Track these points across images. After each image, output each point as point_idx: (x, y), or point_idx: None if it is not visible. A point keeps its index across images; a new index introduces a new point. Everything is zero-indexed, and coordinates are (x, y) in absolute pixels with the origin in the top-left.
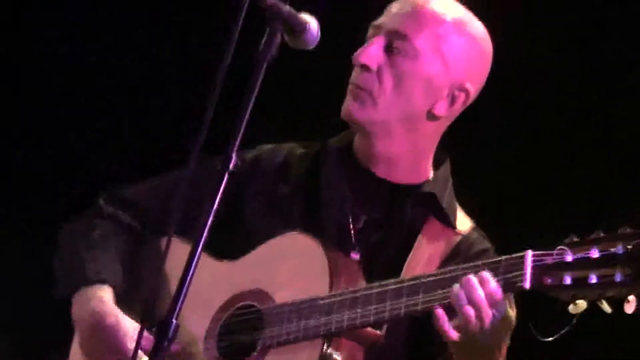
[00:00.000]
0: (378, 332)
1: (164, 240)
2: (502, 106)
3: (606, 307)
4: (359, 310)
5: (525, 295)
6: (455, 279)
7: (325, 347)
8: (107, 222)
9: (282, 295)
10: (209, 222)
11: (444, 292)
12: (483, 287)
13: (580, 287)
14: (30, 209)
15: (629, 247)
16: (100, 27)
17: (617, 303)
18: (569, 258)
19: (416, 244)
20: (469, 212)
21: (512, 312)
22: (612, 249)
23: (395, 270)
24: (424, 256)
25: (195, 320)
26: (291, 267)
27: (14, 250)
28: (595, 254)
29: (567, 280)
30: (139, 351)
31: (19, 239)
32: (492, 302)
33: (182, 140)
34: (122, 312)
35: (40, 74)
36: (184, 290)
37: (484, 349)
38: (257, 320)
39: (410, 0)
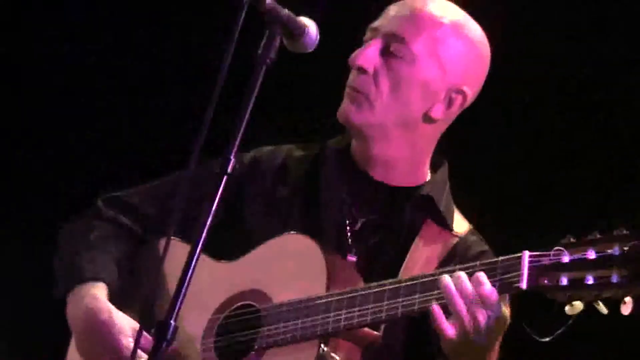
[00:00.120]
0: (375, 332)
1: (161, 242)
2: (501, 107)
3: (602, 309)
4: (356, 311)
5: (522, 296)
6: None
7: (322, 348)
8: (105, 224)
9: (280, 295)
10: (208, 224)
11: (439, 292)
12: (478, 289)
13: (576, 288)
14: (30, 209)
15: (626, 248)
16: (100, 27)
17: (614, 304)
18: (566, 259)
19: (413, 246)
20: (467, 214)
21: (507, 311)
22: (609, 250)
23: (393, 273)
24: (422, 258)
25: (193, 320)
26: (289, 267)
27: (14, 250)
28: (591, 255)
29: (564, 281)
30: (139, 351)
31: (19, 239)
32: (488, 304)
33: (182, 140)
34: (115, 309)
35: (40, 74)
36: (183, 291)
37: (479, 349)
38: (255, 320)
39: (408, 3)
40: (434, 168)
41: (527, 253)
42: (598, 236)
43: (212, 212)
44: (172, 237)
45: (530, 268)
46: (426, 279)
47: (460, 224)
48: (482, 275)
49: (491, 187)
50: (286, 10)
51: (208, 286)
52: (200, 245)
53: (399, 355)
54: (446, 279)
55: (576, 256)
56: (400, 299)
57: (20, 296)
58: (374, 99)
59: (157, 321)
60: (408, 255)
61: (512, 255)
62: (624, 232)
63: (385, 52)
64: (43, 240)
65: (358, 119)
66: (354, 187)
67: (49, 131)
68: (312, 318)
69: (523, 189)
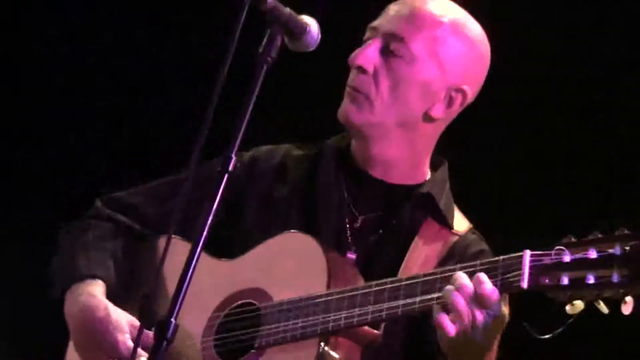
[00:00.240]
0: (376, 331)
1: (161, 240)
2: (501, 107)
3: (603, 308)
4: (356, 309)
5: (523, 295)
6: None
7: (322, 346)
8: (104, 224)
9: (281, 294)
10: (209, 222)
11: (440, 291)
12: (479, 288)
13: (577, 287)
14: (30, 209)
15: (627, 248)
16: (100, 27)
17: (614, 304)
18: (567, 258)
19: (413, 244)
20: (467, 213)
21: (506, 311)
22: (610, 250)
23: (393, 271)
24: (421, 257)
25: (193, 318)
26: (289, 265)
27: (14, 250)
28: (592, 254)
29: (565, 280)
30: (139, 349)
31: (19, 239)
32: (488, 303)
33: (182, 140)
34: (112, 305)
35: (40, 74)
36: (184, 290)
37: (478, 348)
38: (255, 318)
39: (408, 2)
40: (434, 167)
41: (528, 252)
42: (599, 236)
43: (213, 210)
44: (173, 236)
45: (531, 267)
46: (427, 278)
47: (461, 223)
48: (483, 275)
49: (491, 187)
50: (287, 9)
51: (208, 285)
52: (201, 244)
53: (399, 354)
54: (450, 287)
55: (577, 256)
56: (400, 298)
57: (20, 296)
58: (374, 98)
59: (157, 319)
60: (408, 254)
61: (513, 255)
62: (625, 232)
63: (385, 52)
64: (43, 240)
65: (358, 118)
66: (353, 186)
67: (49, 131)
68: (313, 317)
69: (523, 189)
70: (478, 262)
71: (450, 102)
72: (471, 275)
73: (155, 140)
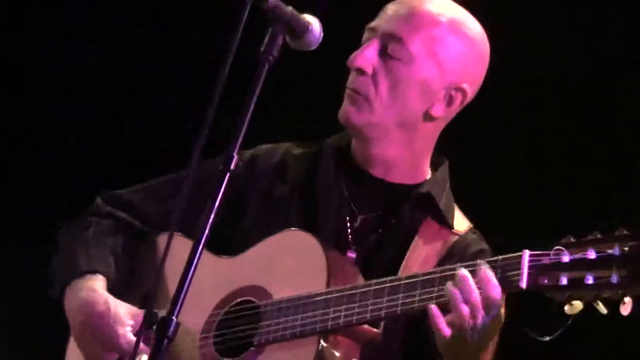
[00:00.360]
0: (375, 330)
1: (161, 237)
2: (501, 107)
3: (602, 308)
4: (355, 307)
5: (522, 295)
6: (452, 278)
7: (321, 344)
8: (104, 221)
9: (280, 292)
10: (210, 221)
11: (440, 290)
12: (485, 285)
13: (576, 287)
14: (30, 209)
15: (626, 248)
16: (100, 27)
17: (613, 304)
18: (566, 258)
19: (413, 244)
20: (467, 213)
21: (502, 311)
22: (609, 251)
23: (392, 270)
24: (421, 256)
25: (193, 315)
26: (289, 263)
27: (14, 250)
28: (592, 255)
29: (564, 280)
30: (139, 348)
31: (19, 239)
32: (491, 302)
33: (182, 140)
34: (113, 298)
35: (40, 74)
36: (185, 288)
37: (474, 347)
38: (255, 316)
39: (406, 1)
40: (435, 166)
41: (527, 252)
42: (598, 236)
43: (215, 208)
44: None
45: (530, 267)
46: (426, 277)
47: (461, 223)
48: (489, 273)
49: (491, 186)
50: (289, 8)
51: (208, 282)
52: (202, 242)
53: (398, 352)
54: (451, 284)
55: (576, 256)
56: (399, 297)
57: (20, 296)
58: (373, 100)
59: (159, 317)
60: (407, 253)
61: (513, 254)
62: (625, 232)
63: (383, 53)
64: (43, 240)
65: (358, 120)
66: (353, 184)
67: (49, 131)
68: (312, 314)
69: (522, 188)
70: (478, 261)
71: (450, 101)
72: (474, 274)
73: (155, 140)
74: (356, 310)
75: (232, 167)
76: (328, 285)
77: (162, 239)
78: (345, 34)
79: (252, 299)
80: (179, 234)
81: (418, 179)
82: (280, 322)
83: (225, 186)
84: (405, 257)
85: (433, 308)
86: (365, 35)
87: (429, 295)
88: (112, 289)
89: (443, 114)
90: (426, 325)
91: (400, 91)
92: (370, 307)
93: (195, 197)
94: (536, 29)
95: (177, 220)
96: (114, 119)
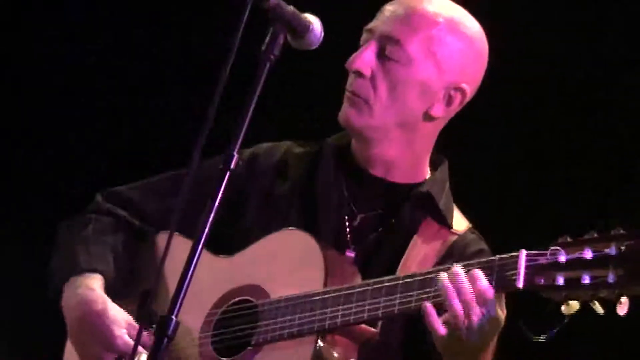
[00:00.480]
0: (373, 329)
1: (161, 235)
2: (501, 107)
3: (598, 308)
4: (353, 307)
5: (519, 295)
6: None
7: (319, 343)
8: (104, 218)
9: (278, 291)
10: (210, 221)
11: (436, 290)
12: (473, 284)
13: (572, 287)
14: (30, 209)
15: (622, 248)
16: (100, 27)
17: (610, 304)
18: (563, 258)
19: (412, 243)
20: (467, 213)
21: (502, 313)
22: (606, 250)
23: (391, 269)
24: (420, 255)
25: (191, 314)
26: (287, 262)
27: (14, 250)
28: (588, 254)
29: (560, 280)
30: (139, 347)
31: (19, 239)
32: (482, 300)
33: (182, 140)
34: (110, 300)
35: (40, 74)
36: (185, 287)
37: (472, 348)
38: (252, 315)
39: (403, 2)
40: (434, 166)
41: (524, 252)
42: (595, 236)
43: (215, 208)
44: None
45: (527, 267)
46: (424, 277)
47: (460, 222)
48: (478, 272)
49: (490, 186)
50: (291, 7)
51: (207, 281)
52: (202, 242)
53: (397, 352)
54: (443, 275)
55: (573, 256)
56: (397, 297)
57: (20, 296)
58: (373, 102)
59: (158, 316)
60: (406, 252)
61: (509, 254)
62: (621, 231)
63: (382, 55)
64: (43, 240)
65: (358, 122)
66: (353, 184)
67: (49, 131)
68: (309, 314)
69: (522, 188)
70: (475, 261)
71: (449, 101)
72: (467, 273)
73: (155, 140)
74: (353, 309)
75: (232, 166)
76: (325, 284)
77: (161, 238)
78: (346, 33)
79: (249, 298)
80: (177, 233)
81: (418, 179)
82: (278, 321)
83: (225, 185)
84: (404, 256)
85: (428, 307)
86: (363, 36)
87: (426, 295)
88: (111, 287)
89: (442, 113)
90: (424, 324)
91: (399, 92)
92: (367, 307)
93: (195, 196)
94: (536, 29)
95: (177, 220)
96: (114, 119)
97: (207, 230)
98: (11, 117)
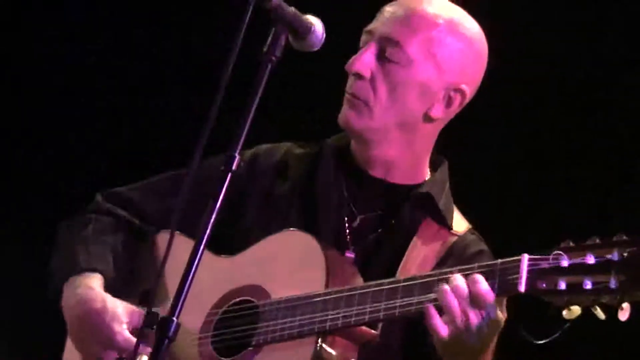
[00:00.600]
0: (373, 331)
1: (161, 235)
2: (501, 107)
3: (600, 314)
4: (354, 309)
5: (520, 299)
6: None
7: (319, 345)
8: (103, 218)
9: (279, 291)
10: (212, 221)
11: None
12: (474, 288)
13: (574, 292)
14: (30, 209)
15: (625, 254)
16: (100, 27)
17: (611, 310)
18: (565, 263)
19: (412, 244)
20: (467, 213)
21: (502, 316)
22: (608, 256)
23: (391, 270)
24: (420, 256)
25: (191, 314)
26: (288, 263)
27: (14, 250)
28: (590, 259)
29: (562, 285)
30: (139, 348)
31: (19, 239)
32: (483, 304)
33: (182, 140)
34: (110, 296)
35: (40, 74)
36: (186, 289)
37: (472, 350)
38: (253, 315)
39: (403, 3)
40: (434, 167)
41: (526, 256)
42: (597, 241)
43: (217, 209)
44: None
45: (529, 271)
46: (425, 280)
47: (460, 223)
48: (478, 276)
49: (490, 186)
50: (292, 9)
51: (207, 281)
52: (204, 243)
53: (397, 353)
54: (445, 287)
55: (575, 260)
56: (398, 299)
57: (20, 296)
58: (373, 104)
59: (158, 317)
60: (406, 253)
61: (512, 258)
62: (624, 237)
63: (381, 57)
64: (43, 240)
65: (358, 124)
66: (353, 184)
67: (49, 131)
68: (310, 315)
69: (522, 189)
70: (476, 264)
71: (449, 102)
72: (468, 277)
73: (155, 140)
74: (354, 311)
75: (233, 167)
76: (327, 285)
77: (161, 237)
78: (347, 35)
79: (250, 298)
80: (179, 233)
81: (417, 180)
82: (279, 322)
83: (227, 187)
84: (404, 257)
85: (430, 308)
86: (363, 38)
87: (427, 298)
88: (110, 287)
89: (442, 115)
90: (424, 326)
91: (399, 94)
92: (368, 309)
93: (196, 196)
94: (536, 29)
95: (176, 222)
96: (114, 119)
97: (208, 231)
98: (11, 117)
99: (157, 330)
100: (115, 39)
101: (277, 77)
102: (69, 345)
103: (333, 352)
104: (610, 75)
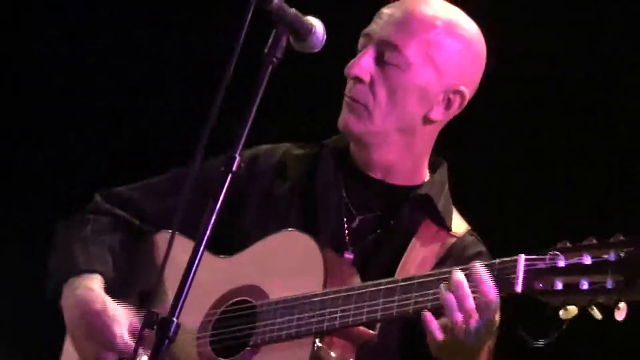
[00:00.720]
0: (371, 331)
1: (159, 235)
2: (501, 107)
3: (597, 314)
4: (351, 309)
5: (517, 299)
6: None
7: (317, 345)
8: (102, 218)
9: (277, 292)
10: (212, 222)
11: (435, 293)
12: (480, 287)
13: (571, 292)
14: (30, 209)
15: (621, 254)
16: (100, 27)
17: (608, 310)
18: (562, 263)
19: (410, 245)
20: (466, 214)
21: (497, 316)
22: (605, 256)
23: (390, 271)
24: (418, 257)
25: (189, 314)
26: (286, 263)
27: (14, 250)
28: (587, 260)
29: (559, 285)
30: (140, 349)
31: (19, 239)
32: (486, 306)
33: (182, 140)
34: (109, 298)
35: (40, 74)
36: (186, 290)
37: (468, 349)
38: (251, 316)
39: (400, 5)
40: (433, 168)
41: (523, 256)
42: (594, 241)
43: (217, 210)
44: (169, 231)
45: (525, 271)
46: (422, 280)
47: (459, 225)
48: (483, 273)
49: (490, 187)
50: (293, 10)
51: (206, 281)
52: (203, 244)
53: (395, 354)
54: (445, 286)
55: (572, 261)
56: (396, 299)
57: (20, 296)
58: (372, 108)
59: (158, 317)
60: (405, 254)
61: (508, 259)
62: (620, 238)
63: (380, 61)
64: (43, 240)
65: (358, 128)
66: (352, 185)
67: (49, 131)
68: (308, 315)
69: (522, 189)
70: (473, 263)
71: (448, 104)
72: (468, 277)
73: (155, 140)
74: (352, 311)
75: (234, 168)
76: (325, 286)
77: (160, 238)
78: (348, 36)
79: (248, 298)
80: (177, 233)
81: (417, 181)
82: (276, 322)
83: (227, 188)
84: (403, 258)
85: (427, 314)
86: (361, 41)
87: (424, 299)
88: (109, 288)
89: (442, 117)
90: (422, 327)
91: (398, 98)
92: (366, 309)
93: (196, 196)
94: (536, 29)
95: (178, 220)
96: (114, 119)
97: (208, 232)
98: (11, 117)
99: (157, 330)
100: (115, 39)
101: (278, 78)
102: (68, 345)
103: (331, 353)
104: (610, 75)
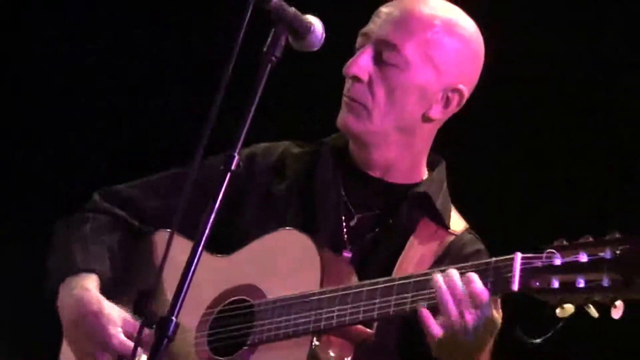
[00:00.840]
0: (368, 330)
1: (158, 234)
2: (501, 107)
3: (593, 312)
4: (348, 308)
5: (514, 298)
6: None
7: (314, 344)
8: (101, 217)
9: (274, 291)
10: (211, 221)
11: (431, 291)
12: (467, 285)
13: (567, 291)
14: (30, 209)
15: (617, 252)
16: (100, 27)
17: (604, 308)
18: (558, 262)
19: (409, 243)
20: (465, 213)
21: (498, 315)
22: (601, 254)
23: (388, 269)
24: (416, 256)
25: (188, 313)
26: (283, 262)
27: (14, 250)
28: (583, 258)
29: (555, 283)
30: (139, 349)
31: (19, 239)
32: (478, 303)
33: (182, 140)
34: (105, 299)
35: (40, 74)
36: (185, 289)
37: (468, 349)
38: (248, 315)
39: (399, 4)
40: (432, 167)
41: (519, 255)
42: (590, 239)
43: (216, 209)
44: (169, 230)
45: (522, 270)
46: (419, 278)
47: (457, 223)
48: (473, 275)
49: (489, 186)
50: (292, 9)
51: (203, 280)
52: (202, 244)
53: (393, 352)
54: (438, 276)
55: (568, 259)
56: (392, 297)
57: (20, 296)
58: (371, 107)
59: (157, 316)
60: (403, 253)
61: (505, 257)
62: (617, 236)
63: (379, 60)
64: (43, 240)
65: (357, 128)
66: (350, 184)
67: (49, 131)
68: (305, 314)
69: (521, 188)
70: (470, 263)
71: (447, 102)
72: (462, 275)
73: (155, 140)
74: (349, 310)
75: (233, 167)
76: (322, 285)
77: (159, 237)
78: (347, 35)
79: (246, 297)
80: (177, 233)
81: (415, 179)
82: (274, 321)
83: (226, 186)
84: (401, 256)
85: (423, 310)
86: (359, 40)
87: (421, 297)
88: (106, 287)
89: (440, 115)
90: (419, 326)
91: (397, 97)
92: (362, 308)
93: (195, 196)
94: (536, 29)
95: (178, 220)
96: (114, 119)
97: (207, 232)
98: (11, 117)
99: (156, 329)
100: (115, 39)
101: (277, 77)
102: (65, 347)
103: (328, 351)
104: (610, 75)
